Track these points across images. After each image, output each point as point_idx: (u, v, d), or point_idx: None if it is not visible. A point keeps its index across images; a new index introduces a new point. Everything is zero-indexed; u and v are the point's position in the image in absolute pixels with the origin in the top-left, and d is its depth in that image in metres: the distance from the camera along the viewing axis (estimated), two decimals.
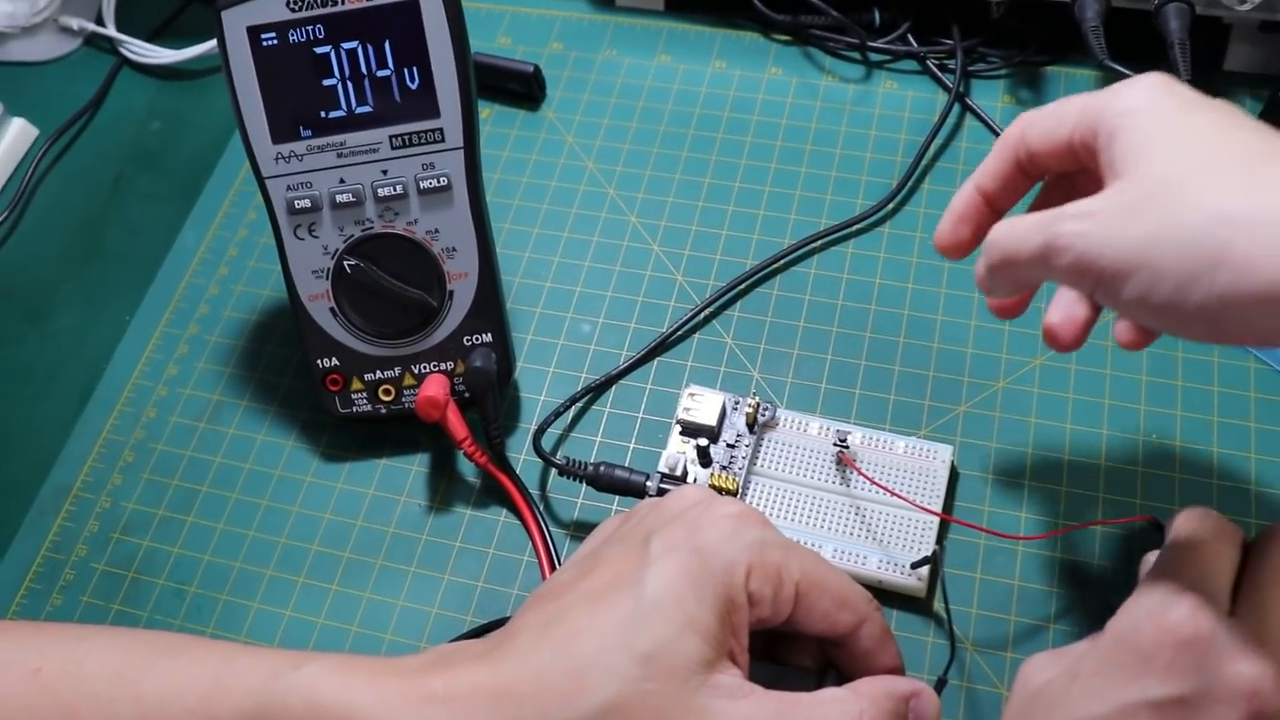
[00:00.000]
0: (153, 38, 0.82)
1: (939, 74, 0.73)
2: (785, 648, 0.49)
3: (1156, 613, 0.44)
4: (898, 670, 0.47)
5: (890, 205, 0.68)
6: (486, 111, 0.75)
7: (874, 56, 0.75)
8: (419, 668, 0.43)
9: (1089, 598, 0.54)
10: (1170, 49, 0.62)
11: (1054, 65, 0.73)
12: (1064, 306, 0.47)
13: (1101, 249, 0.40)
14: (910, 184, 0.68)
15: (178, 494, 0.61)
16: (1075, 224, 0.41)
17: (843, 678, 0.47)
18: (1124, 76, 0.62)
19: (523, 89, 0.75)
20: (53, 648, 0.46)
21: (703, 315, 0.64)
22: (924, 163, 0.69)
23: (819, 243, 0.67)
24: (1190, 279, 0.37)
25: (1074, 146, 0.45)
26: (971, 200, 0.49)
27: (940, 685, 0.49)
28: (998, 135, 0.68)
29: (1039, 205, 0.49)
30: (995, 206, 0.49)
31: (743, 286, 0.65)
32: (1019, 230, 0.43)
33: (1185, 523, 0.49)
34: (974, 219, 0.49)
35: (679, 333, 0.64)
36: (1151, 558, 0.50)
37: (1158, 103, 0.42)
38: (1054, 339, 0.47)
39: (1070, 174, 0.47)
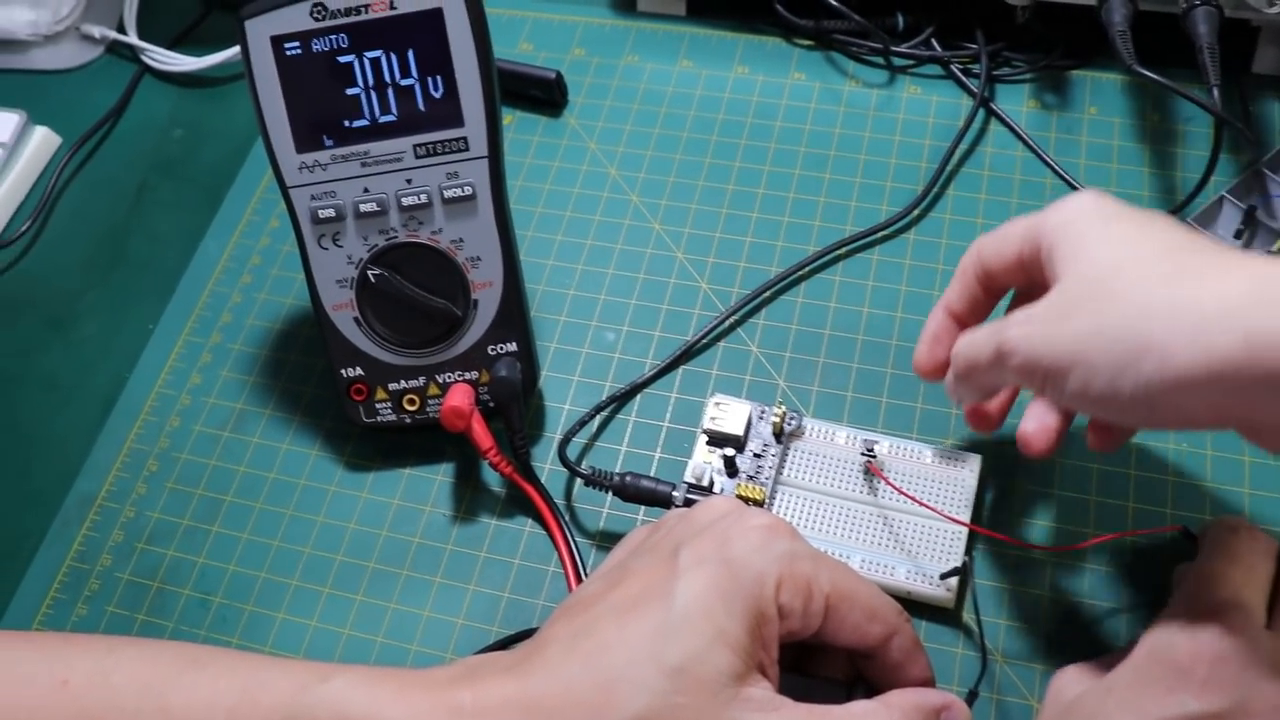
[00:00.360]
0: (174, 45, 0.81)
1: (963, 79, 0.72)
2: (814, 659, 0.49)
3: (1192, 627, 0.44)
4: (928, 682, 0.47)
5: (916, 212, 0.67)
6: (508, 118, 0.75)
7: (898, 61, 0.74)
8: (447, 680, 0.43)
9: (1121, 609, 0.54)
10: (1199, 53, 0.61)
11: (1080, 69, 0.72)
12: (1036, 416, 0.50)
13: (1043, 349, 0.43)
14: (936, 190, 0.68)
15: (202, 503, 0.61)
16: (1019, 329, 0.45)
17: (872, 690, 0.47)
18: (1153, 81, 0.62)
19: (545, 95, 0.74)
20: (80, 659, 0.45)
21: (728, 323, 0.64)
22: (949, 168, 0.69)
23: (844, 249, 0.66)
24: (1120, 370, 0.40)
25: (1023, 262, 0.48)
26: (943, 323, 0.53)
27: (971, 698, 0.49)
28: (1024, 140, 0.69)
29: None
30: (965, 325, 0.52)
31: (767, 294, 0.65)
32: (977, 340, 0.48)
33: (1218, 533, 0.49)
34: (947, 340, 0.52)
35: (704, 341, 0.64)
36: (1184, 569, 0.50)
37: (1087, 213, 0.46)
38: (1027, 446, 0.50)
39: (1031, 287, 0.49)
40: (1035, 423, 0.50)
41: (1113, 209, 0.46)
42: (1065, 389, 0.43)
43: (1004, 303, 0.53)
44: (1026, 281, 0.49)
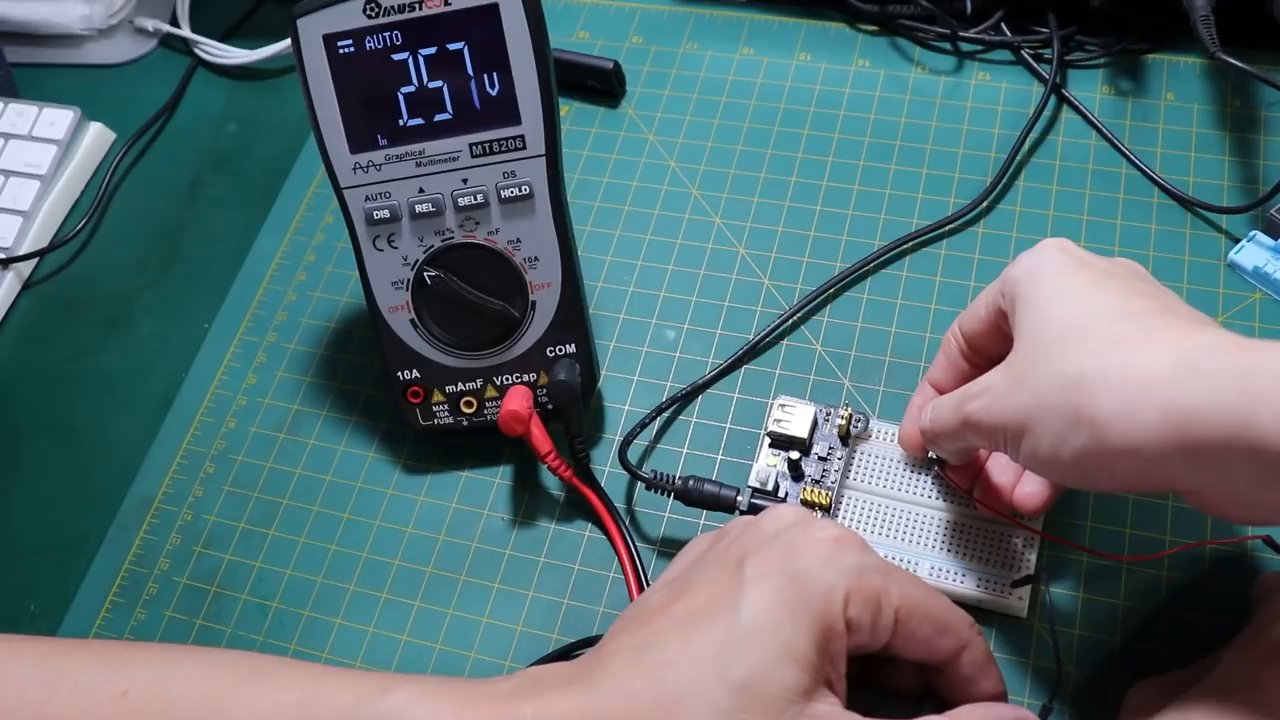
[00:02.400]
0: (226, 37, 0.81)
1: (1034, 64, 0.70)
2: (882, 671, 0.47)
3: (1276, 652, 0.42)
4: (999, 696, 0.46)
5: (985, 204, 0.65)
6: (565, 109, 0.73)
7: (965, 47, 0.72)
8: (508, 693, 0.42)
9: (1199, 619, 0.52)
10: None
11: (1156, 53, 0.70)
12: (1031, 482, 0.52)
13: (999, 418, 0.45)
14: (1005, 181, 0.66)
15: (259, 506, 0.61)
16: (977, 402, 0.47)
17: (942, 703, 0.46)
18: (1237, 70, 0.59)
19: (602, 86, 0.73)
20: (139, 670, 0.45)
21: (791, 321, 0.63)
22: (1019, 158, 0.67)
23: (910, 244, 0.64)
24: (1060, 437, 0.42)
25: (995, 319, 0.50)
26: (930, 397, 0.53)
27: (1045, 712, 0.47)
28: (1097, 128, 0.67)
29: None
30: None
31: (832, 291, 0.63)
32: (942, 413, 0.50)
33: None
34: None
35: (767, 340, 0.62)
36: (1268, 579, 0.48)
37: (1044, 266, 0.47)
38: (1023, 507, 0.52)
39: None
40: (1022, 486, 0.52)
41: (1072, 260, 0.47)
42: (1019, 452, 0.45)
43: None
44: (1005, 344, 0.49)
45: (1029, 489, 0.51)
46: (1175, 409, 0.39)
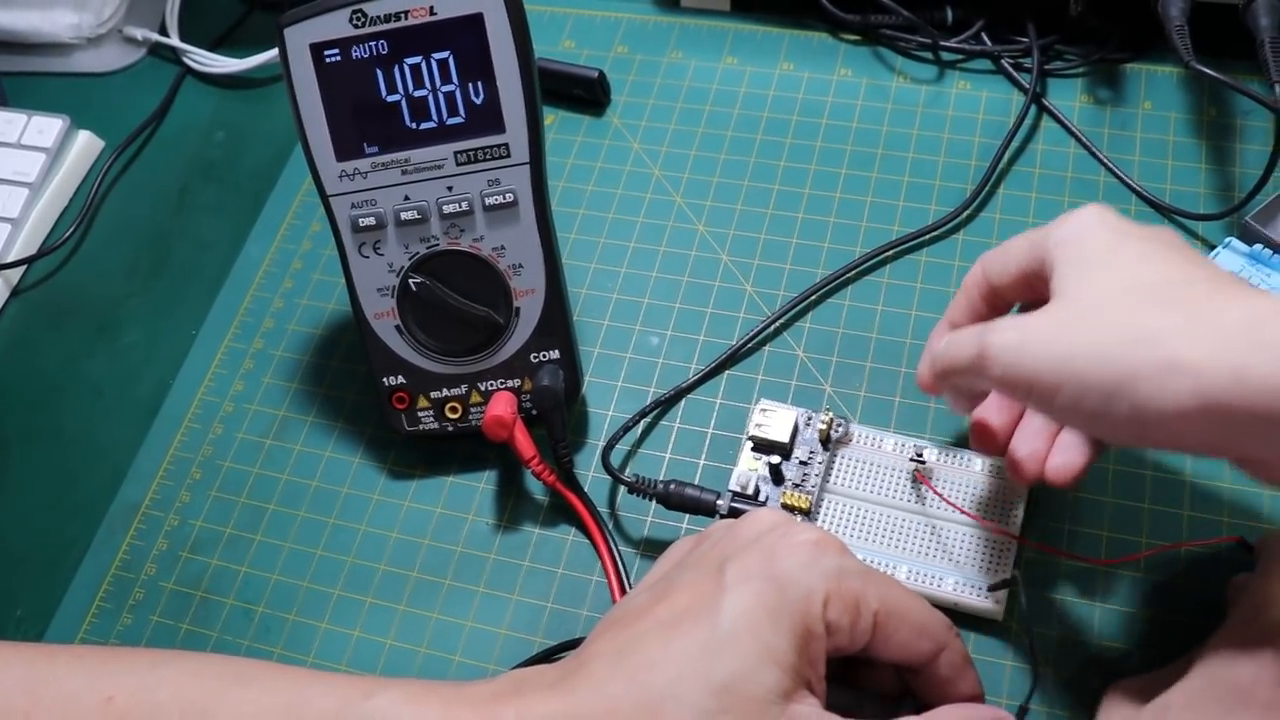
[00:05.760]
0: (215, 46, 0.81)
1: (1014, 74, 0.71)
2: (861, 673, 0.48)
3: (1252, 648, 0.43)
4: (977, 697, 0.46)
5: (966, 212, 0.66)
6: (550, 118, 0.74)
7: (946, 56, 0.73)
8: (491, 695, 0.43)
9: (1175, 621, 0.52)
10: (1260, 48, 0.59)
11: (1134, 63, 0.71)
12: (1028, 440, 0.51)
13: (1030, 361, 0.44)
14: (986, 189, 0.67)
15: (245, 511, 0.61)
16: (1004, 336, 0.45)
17: (920, 704, 0.46)
18: (1211, 79, 0.60)
19: (587, 95, 0.73)
20: (125, 676, 0.45)
21: (773, 327, 0.63)
22: (1000, 166, 0.67)
23: (892, 251, 0.65)
24: (1114, 391, 0.41)
25: (1026, 277, 0.49)
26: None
27: (1022, 713, 0.48)
28: (1076, 137, 0.67)
29: None
30: None
31: (814, 297, 0.64)
32: (958, 340, 0.47)
33: (1276, 545, 0.47)
34: None
35: (749, 345, 0.63)
36: (1242, 580, 0.49)
37: (1089, 233, 0.46)
38: (1017, 472, 0.51)
39: (1037, 301, 0.48)
40: (1027, 448, 0.51)
41: (1119, 227, 0.46)
42: (1054, 402, 0.43)
43: None
44: (1031, 296, 0.49)
45: (1060, 459, 0.50)
46: (1245, 371, 0.38)
